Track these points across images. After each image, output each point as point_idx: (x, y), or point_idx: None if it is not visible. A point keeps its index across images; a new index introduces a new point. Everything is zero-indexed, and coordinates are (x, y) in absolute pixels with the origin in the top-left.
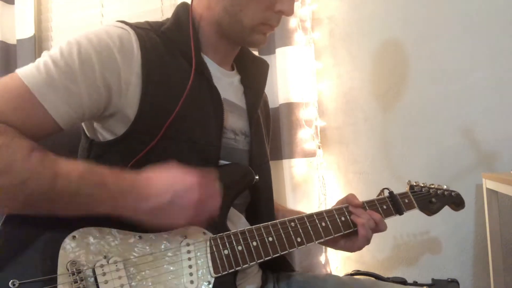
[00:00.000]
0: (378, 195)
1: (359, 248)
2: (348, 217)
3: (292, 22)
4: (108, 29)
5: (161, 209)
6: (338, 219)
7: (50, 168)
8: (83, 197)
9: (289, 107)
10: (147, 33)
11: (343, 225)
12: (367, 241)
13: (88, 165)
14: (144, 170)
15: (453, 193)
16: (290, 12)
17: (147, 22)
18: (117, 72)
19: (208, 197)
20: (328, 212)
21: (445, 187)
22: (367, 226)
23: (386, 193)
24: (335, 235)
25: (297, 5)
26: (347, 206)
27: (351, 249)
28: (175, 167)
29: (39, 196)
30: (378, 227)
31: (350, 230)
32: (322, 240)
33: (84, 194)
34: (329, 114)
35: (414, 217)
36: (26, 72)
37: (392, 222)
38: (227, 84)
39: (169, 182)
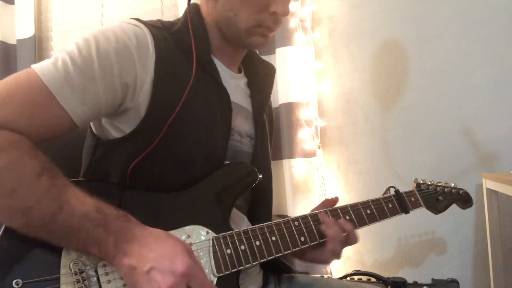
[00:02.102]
0: (383, 194)
1: (326, 262)
2: (353, 216)
3: (292, 22)
4: (124, 26)
5: (136, 273)
6: (343, 218)
7: (56, 199)
8: (82, 236)
9: (289, 107)
10: (160, 32)
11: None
12: (335, 255)
13: (97, 203)
14: (154, 231)
15: (460, 191)
16: (285, 12)
17: (160, 21)
18: (134, 70)
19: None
20: (333, 211)
21: (452, 184)
22: (337, 239)
23: (392, 191)
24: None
25: (297, 5)
26: (321, 212)
27: (317, 261)
28: (179, 245)
29: (39, 225)
30: (349, 240)
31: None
32: (325, 239)
33: (84, 233)
34: (329, 114)
35: (414, 218)
36: (43, 68)
37: (392, 223)
38: (234, 86)
39: (157, 254)
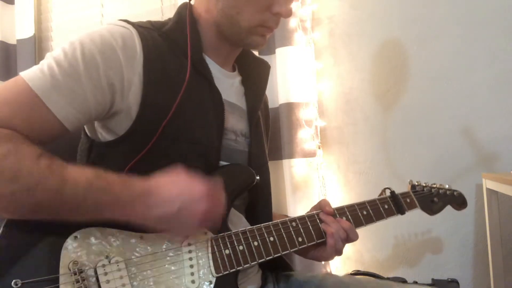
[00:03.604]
0: (379, 195)
1: (328, 259)
2: (350, 217)
3: (292, 22)
4: (111, 28)
5: (169, 217)
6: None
7: (58, 174)
8: (91, 203)
9: (289, 107)
10: (149, 33)
11: (316, 233)
12: (336, 252)
13: (96, 171)
14: (153, 176)
15: (455, 193)
16: (288, 13)
17: (149, 22)
18: (120, 71)
19: (214, 206)
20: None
21: (447, 186)
22: (337, 236)
23: (388, 192)
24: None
25: (297, 5)
26: (320, 213)
27: (319, 259)
28: (183, 174)
29: (47, 202)
30: (349, 237)
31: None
32: (323, 240)
33: (92, 200)
34: (329, 114)
35: (414, 217)
36: (30, 75)
37: (392, 222)
38: (228, 85)
39: (177, 191)
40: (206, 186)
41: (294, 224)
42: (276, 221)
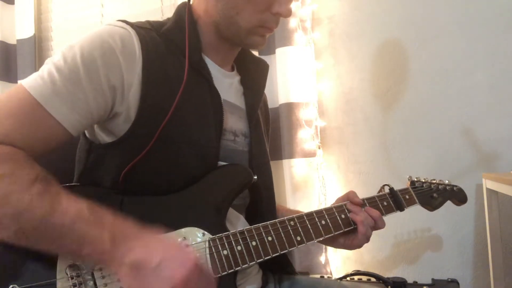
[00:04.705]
0: (378, 192)
1: (358, 246)
2: (348, 215)
3: (292, 22)
4: (109, 29)
5: (145, 269)
6: (338, 216)
7: (48, 203)
8: (76, 235)
9: (289, 107)
10: (148, 33)
11: (343, 223)
12: (366, 239)
13: (90, 204)
14: (151, 229)
15: (455, 188)
16: (287, 13)
17: (148, 22)
18: (120, 73)
19: (198, 279)
20: (328, 210)
21: (446, 182)
22: (366, 224)
23: (387, 189)
24: (335, 233)
25: (297, 5)
26: (347, 203)
27: (350, 247)
28: (180, 244)
29: (30, 229)
30: (377, 225)
31: (350, 228)
32: (321, 239)
33: (78, 232)
34: (329, 114)
35: (414, 217)
36: (31, 83)
37: (392, 222)
38: (227, 85)
39: (165, 246)
40: (197, 258)
41: (292, 223)
42: (274, 220)
